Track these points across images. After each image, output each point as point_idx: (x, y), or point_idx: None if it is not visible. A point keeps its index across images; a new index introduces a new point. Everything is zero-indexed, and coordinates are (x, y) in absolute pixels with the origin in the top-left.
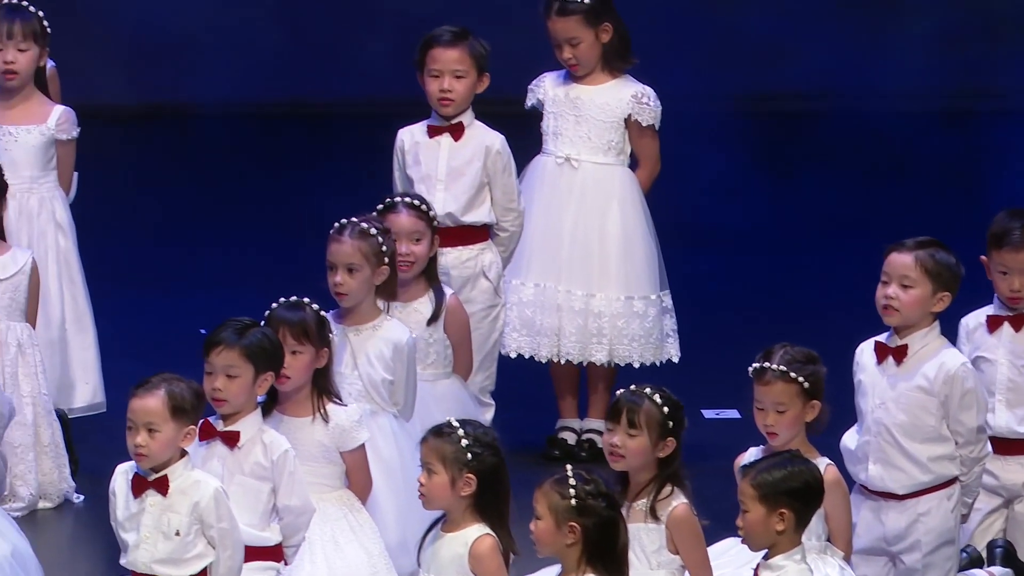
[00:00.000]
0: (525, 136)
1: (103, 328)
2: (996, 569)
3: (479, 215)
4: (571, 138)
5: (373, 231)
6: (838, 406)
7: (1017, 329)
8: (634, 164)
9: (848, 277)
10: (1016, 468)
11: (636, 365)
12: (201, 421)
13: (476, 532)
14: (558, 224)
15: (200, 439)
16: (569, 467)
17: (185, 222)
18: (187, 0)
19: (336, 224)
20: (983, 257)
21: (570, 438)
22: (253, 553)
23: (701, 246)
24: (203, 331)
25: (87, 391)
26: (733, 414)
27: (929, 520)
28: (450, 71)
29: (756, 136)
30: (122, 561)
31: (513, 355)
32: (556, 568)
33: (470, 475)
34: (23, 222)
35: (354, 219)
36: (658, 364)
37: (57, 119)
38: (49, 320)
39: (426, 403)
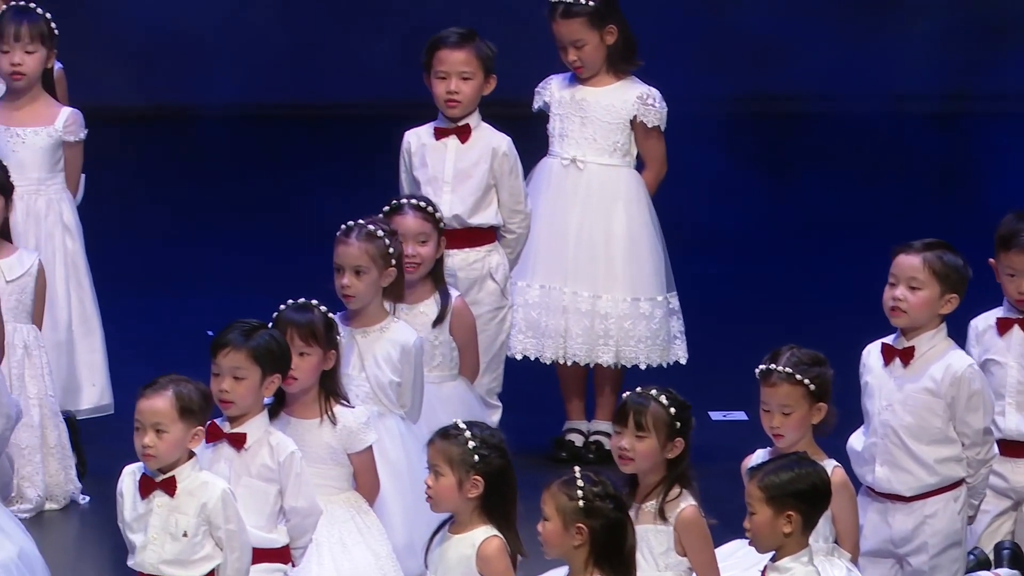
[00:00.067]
0: (532, 138)
1: (110, 330)
2: (1003, 571)
3: (486, 217)
4: (577, 140)
5: (380, 233)
6: (844, 408)
7: None
8: (641, 166)
9: (852, 279)
10: None
11: (643, 366)
12: (208, 423)
13: (483, 534)
14: (564, 226)
15: (207, 441)
16: (577, 469)
17: (191, 224)
18: (192, 2)
19: (343, 226)
20: (991, 260)
21: (577, 440)
22: (260, 555)
23: (704, 248)
24: (210, 333)
25: (94, 393)
26: (740, 416)
27: (936, 522)
28: (457, 73)
29: (755, 138)
30: (129, 562)
31: (519, 357)
32: (563, 570)
33: (477, 477)
34: (30, 224)
35: (361, 221)
36: (665, 366)
37: (65, 121)
38: (56, 322)
39: (432, 405)
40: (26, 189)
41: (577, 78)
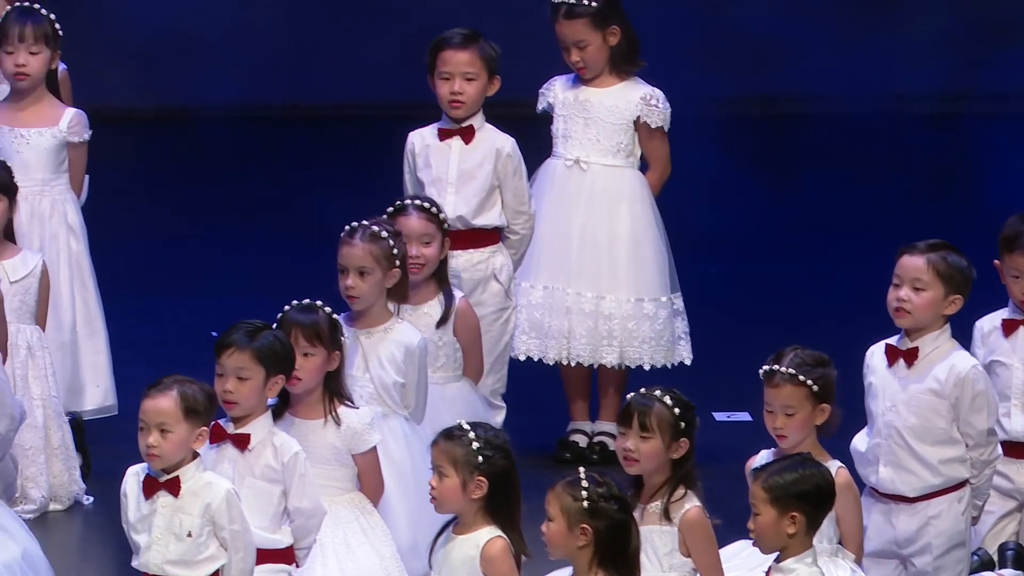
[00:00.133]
0: (536, 139)
1: (112, 331)
2: (1007, 572)
3: (490, 218)
4: (580, 140)
5: (384, 234)
6: (848, 409)
7: None
8: (645, 166)
9: (855, 279)
10: None
11: (647, 367)
12: (212, 424)
13: (487, 534)
14: (567, 226)
15: (210, 442)
16: (582, 469)
17: (193, 224)
18: (194, 3)
19: (347, 227)
20: (996, 261)
21: (581, 441)
22: (264, 556)
23: (706, 249)
24: (214, 333)
25: (98, 394)
26: (744, 417)
27: (940, 523)
28: (460, 73)
29: (755, 138)
30: (134, 563)
31: (522, 358)
32: (568, 570)
33: (481, 478)
34: (35, 224)
35: (365, 222)
36: (669, 366)
37: (69, 122)
38: (61, 323)
39: (436, 406)
40: (30, 190)
41: (580, 79)
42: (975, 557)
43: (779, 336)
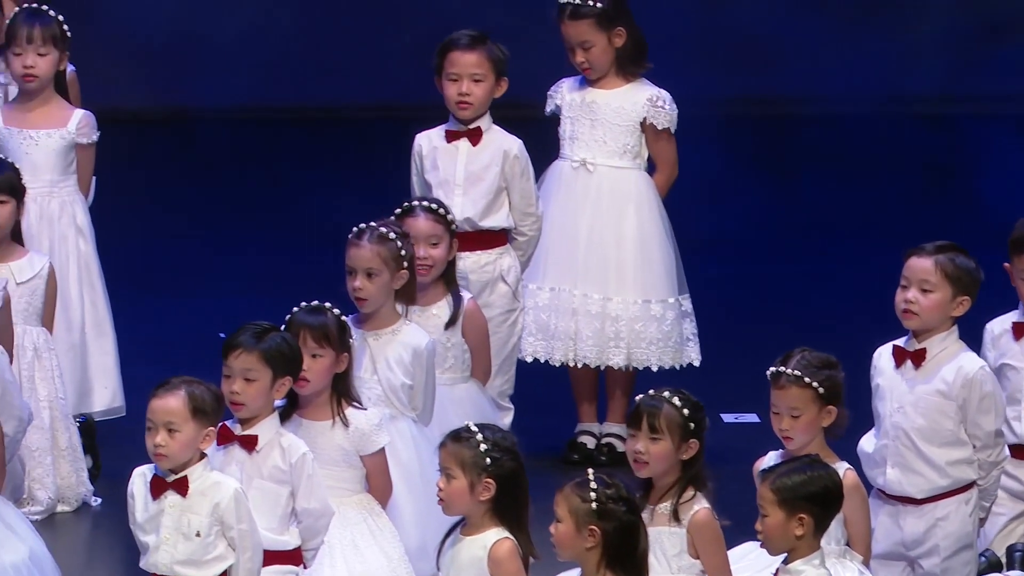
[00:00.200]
0: (544, 141)
1: (118, 332)
2: (1015, 573)
3: (497, 220)
4: (587, 142)
5: (392, 235)
6: (855, 410)
7: None
8: (652, 168)
9: (859, 280)
10: None
11: (654, 368)
12: (219, 425)
13: (495, 536)
14: (574, 228)
15: (218, 443)
16: (590, 471)
17: (197, 225)
18: (199, 5)
19: (355, 229)
20: (1006, 264)
21: (589, 442)
22: (272, 557)
23: (711, 249)
24: (222, 335)
25: (106, 395)
26: (752, 418)
27: (947, 525)
28: (468, 75)
29: (755, 139)
30: (141, 563)
31: (529, 359)
32: (576, 572)
33: (489, 480)
34: (44, 226)
35: (373, 224)
36: (677, 368)
37: (78, 123)
38: (71, 324)
39: (444, 407)
40: (39, 191)
41: (588, 80)
42: (983, 559)
43: (787, 337)
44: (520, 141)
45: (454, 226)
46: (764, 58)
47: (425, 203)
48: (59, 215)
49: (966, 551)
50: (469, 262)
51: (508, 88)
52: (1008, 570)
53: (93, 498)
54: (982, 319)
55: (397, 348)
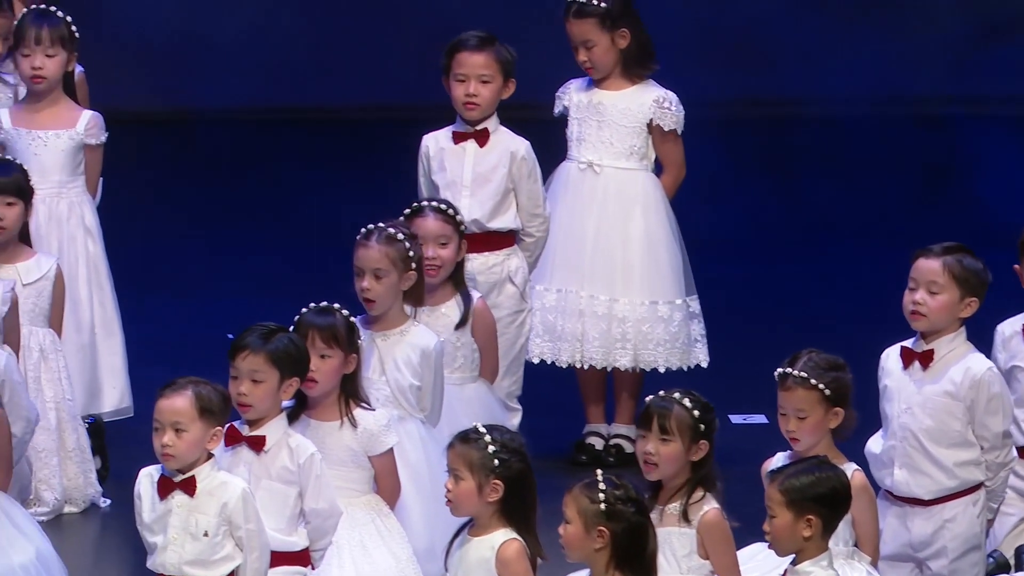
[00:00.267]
0: (551, 142)
1: (129, 333)
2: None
3: (505, 221)
4: (594, 143)
5: (400, 236)
6: (863, 411)
7: None
8: (659, 169)
9: (861, 281)
10: None
11: (662, 370)
12: (227, 426)
13: (503, 536)
14: (581, 229)
15: (226, 444)
16: (599, 472)
17: (199, 226)
18: (201, 6)
19: (363, 229)
20: (1016, 266)
21: (597, 443)
22: (280, 558)
23: (709, 251)
24: (230, 336)
25: (114, 396)
26: (760, 419)
27: (955, 526)
28: (476, 76)
29: (754, 140)
30: (149, 564)
31: (536, 360)
32: (584, 573)
33: (497, 481)
34: (52, 227)
35: (381, 224)
36: (685, 369)
37: (86, 124)
38: (80, 324)
39: (453, 407)
40: (48, 192)
41: (595, 81)
42: (990, 559)
43: (794, 338)
44: (527, 142)
45: (463, 227)
46: (764, 59)
47: (434, 203)
48: (68, 216)
49: (974, 552)
50: (477, 263)
51: (516, 89)
52: (1016, 571)
53: (102, 499)
54: (990, 320)
55: (405, 349)
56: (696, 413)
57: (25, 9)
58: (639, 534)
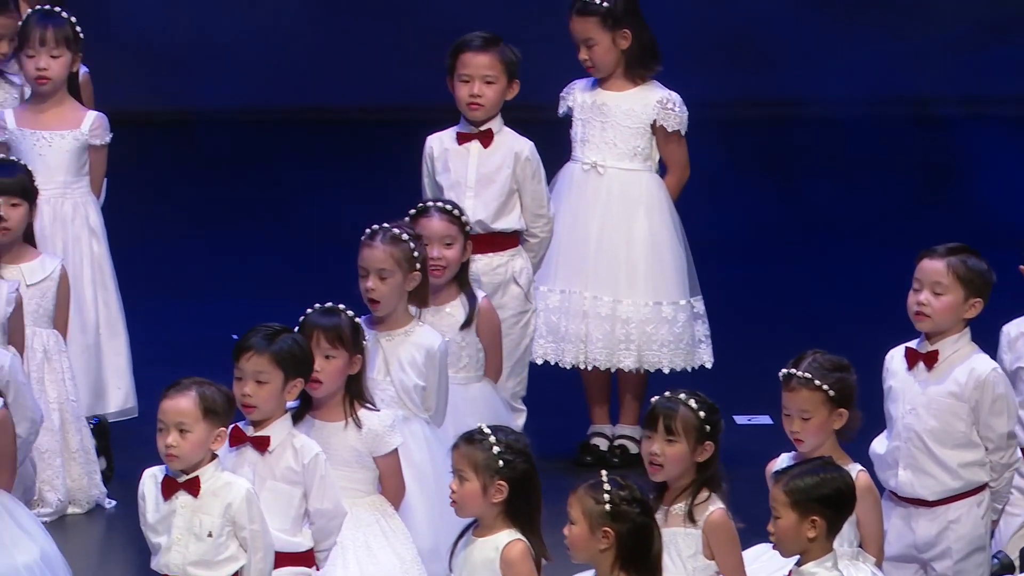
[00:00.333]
0: (555, 143)
1: (133, 333)
2: None
3: (509, 222)
4: (597, 144)
5: (405, 237)
6: (867, 412)
7: None
8: (663, 170)
9: (864, 281)
10: None
11: (666, 371)
12: (231, 426)
13: (507, 537)
14: (584, 230)
15: (230, 445)
16: (604, 473)
17: (200, 227)
18: (203, 7)
19: (368, 230)
20: (1021, 267)
21: (602, 444)
22: (284, 559)
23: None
24: (234, 336)
25: (119, 396)
26: (765, 420)
27: (959, 527)
28: (480, 76)
29: (755, 140)
30: (153, 564)
31: (539, 362)
32: (590, 573)
33: (502, 482)
34: (57, 227)
35: (386, 225)
36: (690, 370)
37: (91, 125)
38: (85, 325)
39: (458, 406)
40: (52, 193)
41: (599, 82)
42: (995, 560)
43: (794, 339)
44: (531, 143)
45: (468, 227)
46: (764, 59)
47: (439, 204)
48: (72, 216)
49: (978, 553)
50: (481, 264)
51: (520, 90)
52: (1021, 572)
53: (107, 500)
54: (994, 321)
55: (410, 349)
56: (702, 414)
57: (30, 10)
58: (644, 535)
